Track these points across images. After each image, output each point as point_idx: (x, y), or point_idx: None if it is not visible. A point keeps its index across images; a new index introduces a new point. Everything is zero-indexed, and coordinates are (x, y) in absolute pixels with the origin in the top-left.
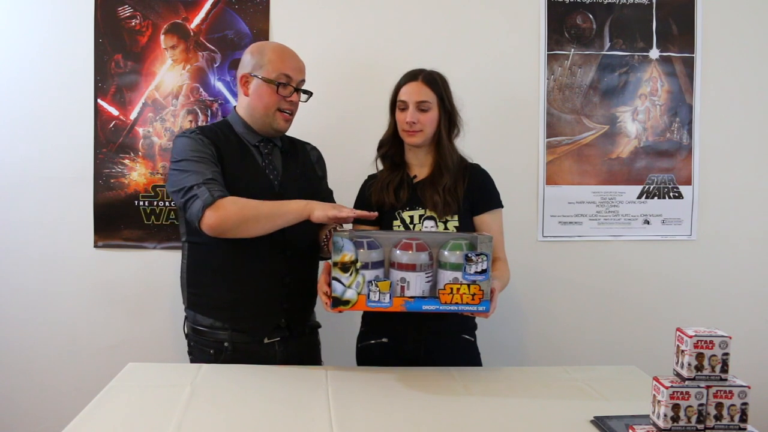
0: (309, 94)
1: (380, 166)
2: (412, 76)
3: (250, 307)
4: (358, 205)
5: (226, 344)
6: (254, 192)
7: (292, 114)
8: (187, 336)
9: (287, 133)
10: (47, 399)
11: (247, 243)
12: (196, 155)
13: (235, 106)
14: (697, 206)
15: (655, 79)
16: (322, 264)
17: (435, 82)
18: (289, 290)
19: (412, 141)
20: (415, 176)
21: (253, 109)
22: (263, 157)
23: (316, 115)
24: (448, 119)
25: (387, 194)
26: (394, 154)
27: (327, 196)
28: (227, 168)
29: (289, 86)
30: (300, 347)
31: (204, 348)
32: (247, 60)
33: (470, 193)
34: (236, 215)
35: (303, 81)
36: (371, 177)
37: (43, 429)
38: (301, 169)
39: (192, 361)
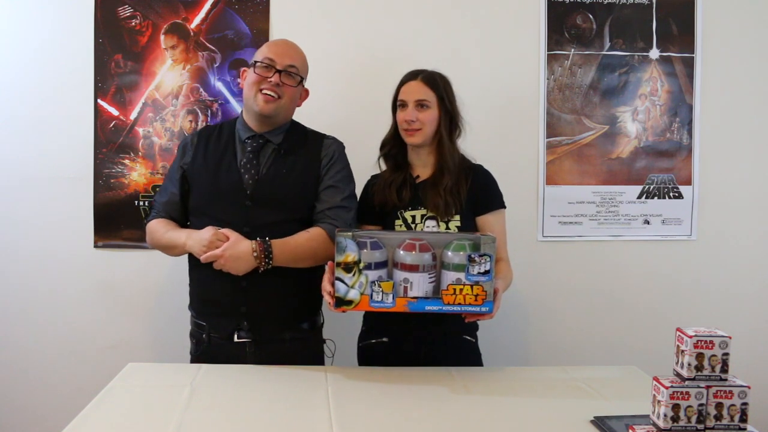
0: (297, 77)
1: (383, 166)
2: (412, 76)
3: (210, 306)
4: (361, 205)
5: (204, 336)
6: (223, 190)
7: (277, 96)
8: None
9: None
10: (47, 399)
11: None
12: (168, 174)
13: None
14: (697, 206)
15: (655, 79)
16: (312, 274)
17: (435, 81)
18: (247, 295)
19: (412, 141)
20: (417, 176)
21: (244, 96)
22: (245, 153)
23: (317, 115)
24: (449, 119)
25: (389, 194)
26: (396, 154)
27: (329, 197)
28: (207, 166)
29: (270, 67)
30: (281, 354)
31: (192, 338)
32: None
33: (473, 193)
34: (151, 241)
35: (293, 67)
36: (374, 177)
37: (43, 429)
38: (290, 169)
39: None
